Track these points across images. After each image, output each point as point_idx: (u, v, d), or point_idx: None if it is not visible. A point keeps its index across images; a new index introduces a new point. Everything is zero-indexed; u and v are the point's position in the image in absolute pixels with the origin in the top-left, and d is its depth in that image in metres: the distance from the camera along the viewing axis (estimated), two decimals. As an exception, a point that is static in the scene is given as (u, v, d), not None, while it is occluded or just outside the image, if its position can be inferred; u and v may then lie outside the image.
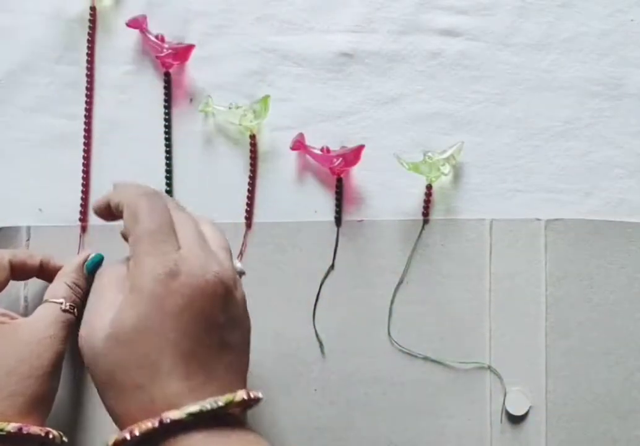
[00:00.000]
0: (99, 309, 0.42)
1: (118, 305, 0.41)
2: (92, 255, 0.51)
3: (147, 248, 0.41)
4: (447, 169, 0.53)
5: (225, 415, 0.39)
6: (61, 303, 0.48)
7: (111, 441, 0.39)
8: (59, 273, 0.51)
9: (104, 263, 0.50)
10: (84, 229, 0.55)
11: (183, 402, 0.38)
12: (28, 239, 0.54)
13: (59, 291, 0.49)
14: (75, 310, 0.49)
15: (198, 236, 0.43)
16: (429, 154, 0.53)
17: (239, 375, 0.42)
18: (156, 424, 0.38)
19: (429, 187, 0.54)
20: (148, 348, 0.39)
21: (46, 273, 0.51)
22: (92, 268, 0.50)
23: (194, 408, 0.38)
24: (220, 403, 0.39)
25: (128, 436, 0.38)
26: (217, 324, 0.41)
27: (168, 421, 0.38)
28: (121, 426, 0.40)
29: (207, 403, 0.38)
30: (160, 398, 0.39)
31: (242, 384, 0.42)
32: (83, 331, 0.42)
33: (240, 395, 0.39)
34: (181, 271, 0.40)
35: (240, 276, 0.45)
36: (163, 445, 0.38)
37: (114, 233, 0.54)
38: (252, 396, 0.40)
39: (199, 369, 0.40)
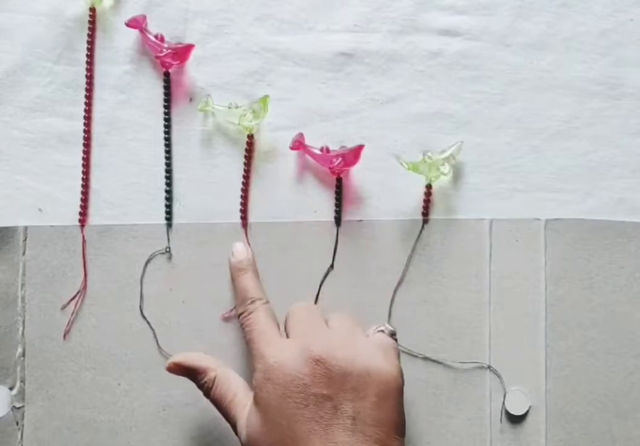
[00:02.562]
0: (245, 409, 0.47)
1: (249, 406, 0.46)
2: None
3: (252, 351, 0.47)
4: (446, 169, 0.53)
5: None
6: None
7: None
8: None
9: None
10: (83, 229, 0.55)
11: None
12: (25, 240, 0.54)
13: None
14: None
15: (303, 322, 0.48)
16: (429, 154, 0.53)
17: (375, 444, 0.43)
18: None
19: (428, 187, 0.54)
20: (273, 441, 0.44)
21: None
22: None
23: None
24: None
25: None
26: (326, 399, 0.43)
27: None
28: None
29: None
30: None
31: None
32: (237, 428, 0.47)
33: None
34: (275, 364, 0.45)
35: (394, 337, 0.49)
36: None
37: (113, 233, 0.54)
38: None
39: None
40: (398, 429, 0.44)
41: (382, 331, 0.48)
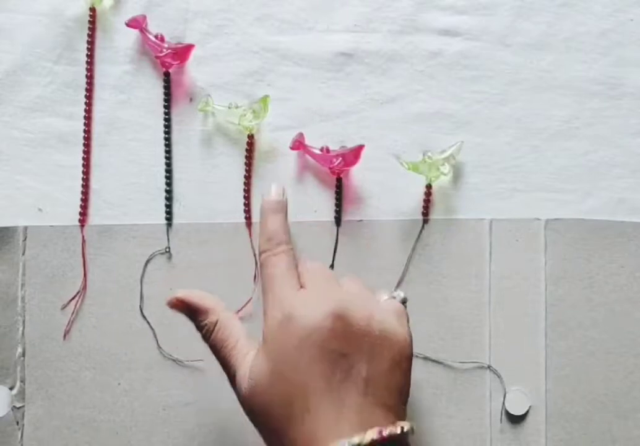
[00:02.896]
0: (246, 358, 0.44)
1: (254, 355, 0.44)
2: None
3: (268, 295, 0.45)
4: (446, 169, 0.53)
5: None
6: None
7: None
8: None
9: None
10: (83, 229, 0.55)
11: (317, 444, 0.40)
12: (25, 240, 0.54)
13: None
14: None
15: (320, 278, 0.46)
16: (429, 154, 0.53)
17: (383, 408, 0.42)
18: None
19: (428, 187, 0.54)
20: (279, 395, 0.41)
21: None
22: None
23: None
24: None
25: None
26: (342, 357, 0.42)
27: None
28: None
29: None
30: (299, 440, 0.40)
31: (388, 417, 0.41)
32: (236, 378, 0.44)
33: (370, 435, 0.40)
34: (295, 313, 0.42)
35: (404, 304, 0.48)
36: None
37: (113, 233, 0.54)
38: (385, 434, 0.40)
39: (330, 407, 0.41)
40: (405, 397, 0.44)
41: (394, 297, 0.48)
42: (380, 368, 0.42)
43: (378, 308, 0.45)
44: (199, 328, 0.46)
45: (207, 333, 0.46)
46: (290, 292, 0.44)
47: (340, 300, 0.43)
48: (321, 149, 0.53)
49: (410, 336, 0.45)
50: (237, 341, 0.45)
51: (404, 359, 0.44)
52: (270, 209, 0.49)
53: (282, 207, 0.49)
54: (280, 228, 0.48)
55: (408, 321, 0.46)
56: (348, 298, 0.44)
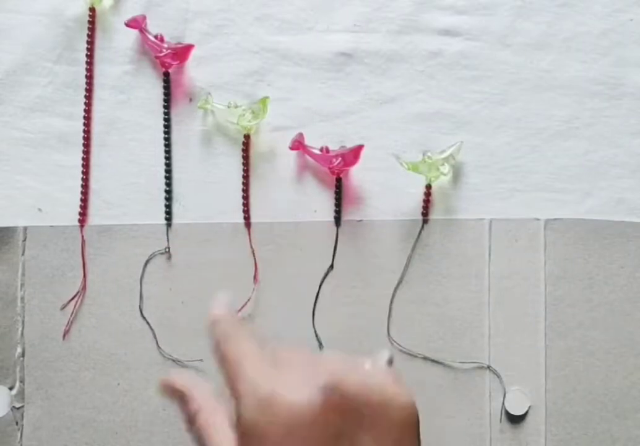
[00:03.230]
0: None
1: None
2: None
3: (238, 379, 0.37)
4: (446, 169, 0.53)
5: None
6: None
7: None
8: None
9: None
10: (82, 229, 0.55)
11: None
12: (25, 240, 0.54)
13: None
14: None
15: (296, 354, 0.38)
16: (428, 154, 0.53)
17: None
18: None
19: (428, 187, 0.54)
20: None
21: None
22: None
23: None
24: None
25: None
26: (341, 434, 0.35)
27: None
28: None
29: None
30: None
31: None
32: None
33: None
34: (277, 392, 0.35)
35: (391, 363, 0.43)
36: None
37: (112, 233, 0.54)
38: None
39: None
40: None
41: (377, 359, 0.43)
42: (387, 440, 0.36)
43: (370, 374, 0.38)
44: (182, 415, 0.39)
45: (188, 424, 0.38)
46: (261, 371, 0.36)
47: (329, 372, 0.36)
48: (321, 149, 0.53)
49: (413, 398, 0.38)
50: (217, 432, 0.37)
51: (412, 425, 0.38)
52: (225, 334, 0.39)
53: (236, 326, 0.39)
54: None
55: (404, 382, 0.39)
56: (336, 368, 0.37)
